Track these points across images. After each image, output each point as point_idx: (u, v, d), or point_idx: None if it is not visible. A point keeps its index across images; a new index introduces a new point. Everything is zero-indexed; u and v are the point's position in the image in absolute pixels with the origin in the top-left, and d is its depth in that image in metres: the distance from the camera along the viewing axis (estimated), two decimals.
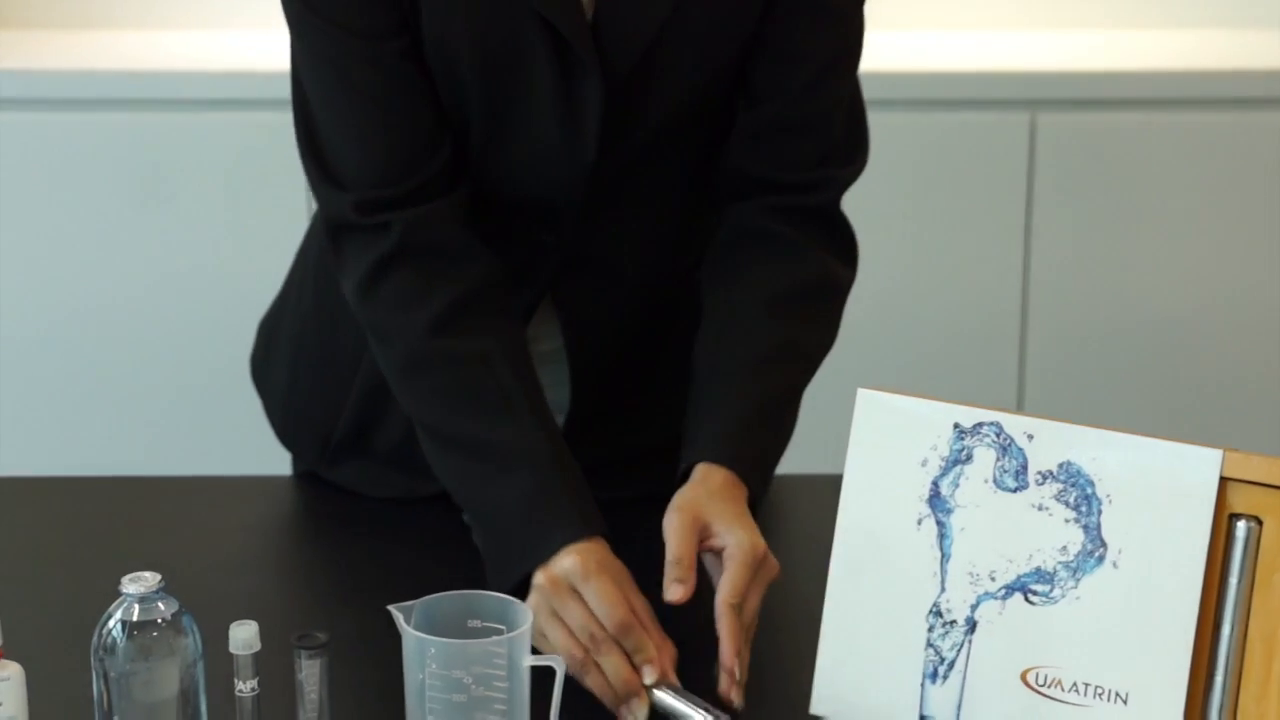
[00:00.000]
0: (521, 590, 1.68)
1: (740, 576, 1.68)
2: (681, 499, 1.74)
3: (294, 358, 2.10)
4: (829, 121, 1.91)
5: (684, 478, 1.79)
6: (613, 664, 1.62)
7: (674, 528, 1.71)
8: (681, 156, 1.92)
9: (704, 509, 1.73)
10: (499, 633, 1.54)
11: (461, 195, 1.85)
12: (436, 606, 1.55)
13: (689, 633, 1.75)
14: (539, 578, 1.67)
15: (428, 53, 1.80)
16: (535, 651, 1.55)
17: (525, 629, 1.52)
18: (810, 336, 1.92)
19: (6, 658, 1.53)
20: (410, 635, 1.51)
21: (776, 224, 1.91)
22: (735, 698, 1.63)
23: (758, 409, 1.84)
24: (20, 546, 1.96)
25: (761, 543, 1.72)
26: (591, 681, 1.62)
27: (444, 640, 1.52)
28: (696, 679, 1.65)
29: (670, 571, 1.68)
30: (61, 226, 3.40)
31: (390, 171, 1.81)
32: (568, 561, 1.66)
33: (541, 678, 1.53)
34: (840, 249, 1.95)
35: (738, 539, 1.71)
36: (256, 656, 1.53)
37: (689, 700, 1.59)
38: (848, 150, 1.94)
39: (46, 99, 3.38)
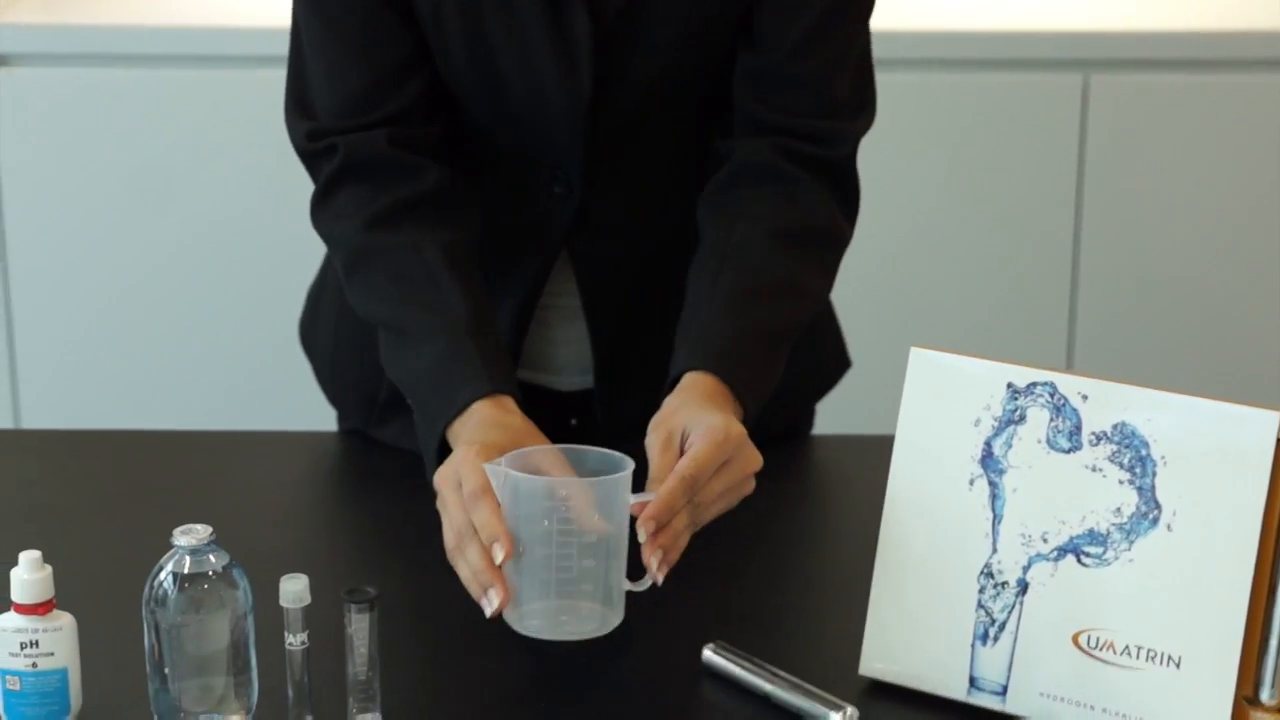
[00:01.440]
0: (445, 452, 1.70)
1: (703, 451, 1.62)
2: (661, 414, 1.70)
3: (337, 323, 2.11)
4: (834, 73, 1.90)
5: (673, 386, 1.76)
6: (471, 555, 1.58)
7: (654, 446, 1.66)
8: (686, 111, 1.92)
9: (684, 418, 1.68)
10: None
11: (414, 134, 1.88)
12: (523, 461, 1.57)
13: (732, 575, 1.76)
14: (438, 476, 1.65)
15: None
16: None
17: (629, 471, 1.55)
18: (813, 279, 1.90)
19: (59, 609, 1.54)
20: (536, 481, 1.53)
21: (789, 164, 1.89)
22: (655, 567, 1.58)
23: (757, 332, 1.81)
24: (74, 498, 1.97)
25: (737, 428, 1.66)
26: (459, 572, 1.61)
27: (587, 480, 1.55)
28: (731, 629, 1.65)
29: (649, 489, 1.63)
30: (121, 185, 3.41)
31: (351, 105, 1.87)
32: (459, 454, 1.63)
33: None
34: (846, 206, 1.94)
35: (706, 424, 1.65)
36: (306, 610, 1.54)
37: (809, 695, 1.57)
38: (855, 104, 1.93)
39: (107, 54, 3.39)
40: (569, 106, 1.84)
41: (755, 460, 1.68)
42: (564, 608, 1.54)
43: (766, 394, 1.81)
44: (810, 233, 1.89)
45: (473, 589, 1.58)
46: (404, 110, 1.86)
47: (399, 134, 1.86)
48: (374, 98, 1.86)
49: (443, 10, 1.82)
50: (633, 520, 1.55)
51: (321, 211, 1.89)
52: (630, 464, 1.54)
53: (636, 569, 1.55)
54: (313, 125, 1.88)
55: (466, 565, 1.59)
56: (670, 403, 1.72)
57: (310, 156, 1.89)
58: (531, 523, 1.51)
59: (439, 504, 1.64)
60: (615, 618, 1.55)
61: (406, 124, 1.87)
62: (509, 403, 1.72)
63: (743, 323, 1.81)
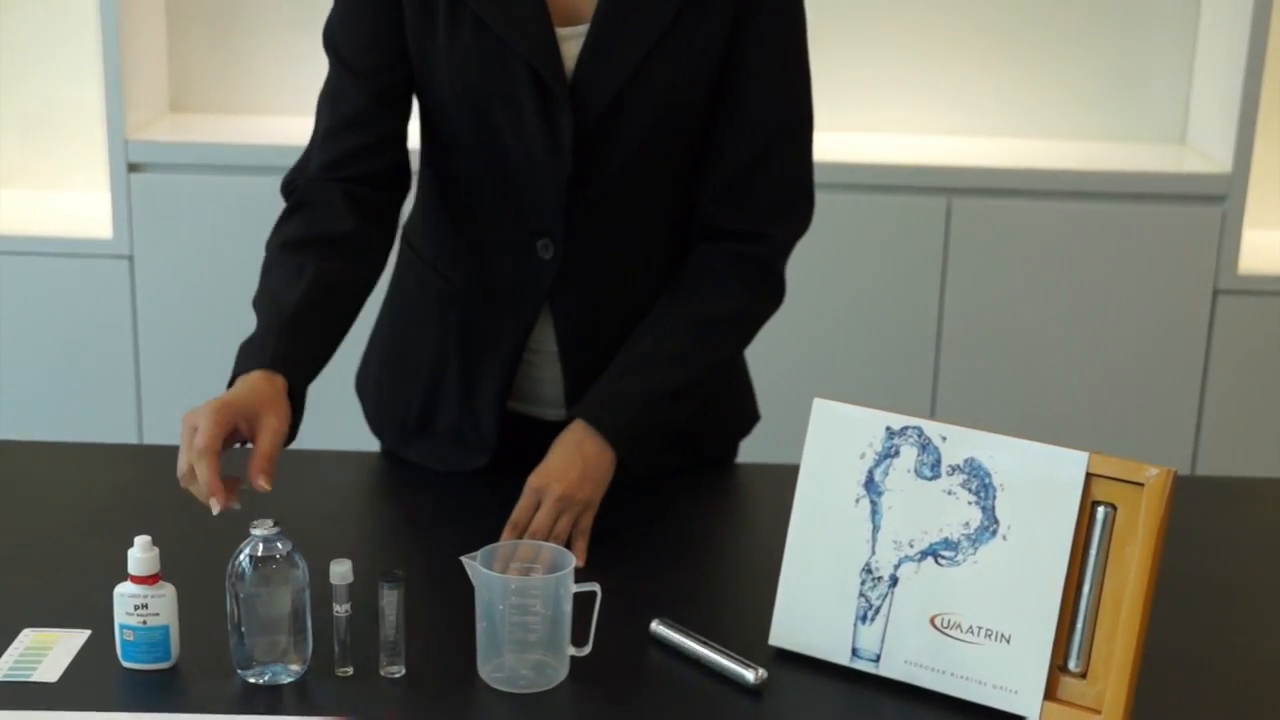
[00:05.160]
0: None
1: (522, 505, 1.77)
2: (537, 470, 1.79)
3: (379, 375, 2.09)
4: (774, 189, 1.89)
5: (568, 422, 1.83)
6: (200, 480, 1.57)
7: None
8: (655, 191, 1.89)
9: (539, 472, 1.78)
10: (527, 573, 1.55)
11: (369, 195, 1.86)
12: (492, 553, 1.54)
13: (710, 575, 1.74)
14: (189, 412, 1.62)
15: (442, 84, 1.82)
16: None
17: (570, 570, 1.52)
18: (711, 352, 1.89)
19: (164, 580, 1.53)
20: (493, 576, 1.51)
21: (722, 266, 1.89)
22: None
23: (642, 392, 1.83)
24: (179, 497, 1.95)
25: (538, 480, 1.76)
26: (193, 490, 1.59)
27: (523, 579, 1.52)
28: (722, 629, 1.64)
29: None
30: (226, 263, 3.41)
31: (332, 166, 1.85)
32: (204, 407, 1.61)
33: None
34: (768, 292, 1.93)
35: (529, 482, 1.77)
36: (350, 586, 1.52)
37: (731, 658, 1.56)
38: (789, 214, 1.92)
39: (218, 164, 3.40)
40: (553, 182, 1.83)
41: (555, 491, 1.75)
42: (521, 665, 1.52)
43: (643, 436, 1.83)
44: (719, 318, 1.88)
45: (203, 497, 1.57)
46: (368, 174, 1.86)
47: (352, 190, 1.85)
48: (350, 160, 1.86)
49: (463, 104, 1.82)
50: (577, 597, 1.54)
51: (271, 237, 1.86)
52: (573, 561, 1.53)
53: (578, 636, 1.55)
54: (295, 177, 1.88)
55: (198, 487, 1.57)
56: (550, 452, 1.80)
57: (285, 196, 1.89)
58: (494, 605, 1.50)
59: (185, 423, 1.61)
60: (562, 673, 1.53)
61: (367, 185, 1.86)
62: (277, 379, 1.68)
63: (631, 383, 1.83)
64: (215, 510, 1.54)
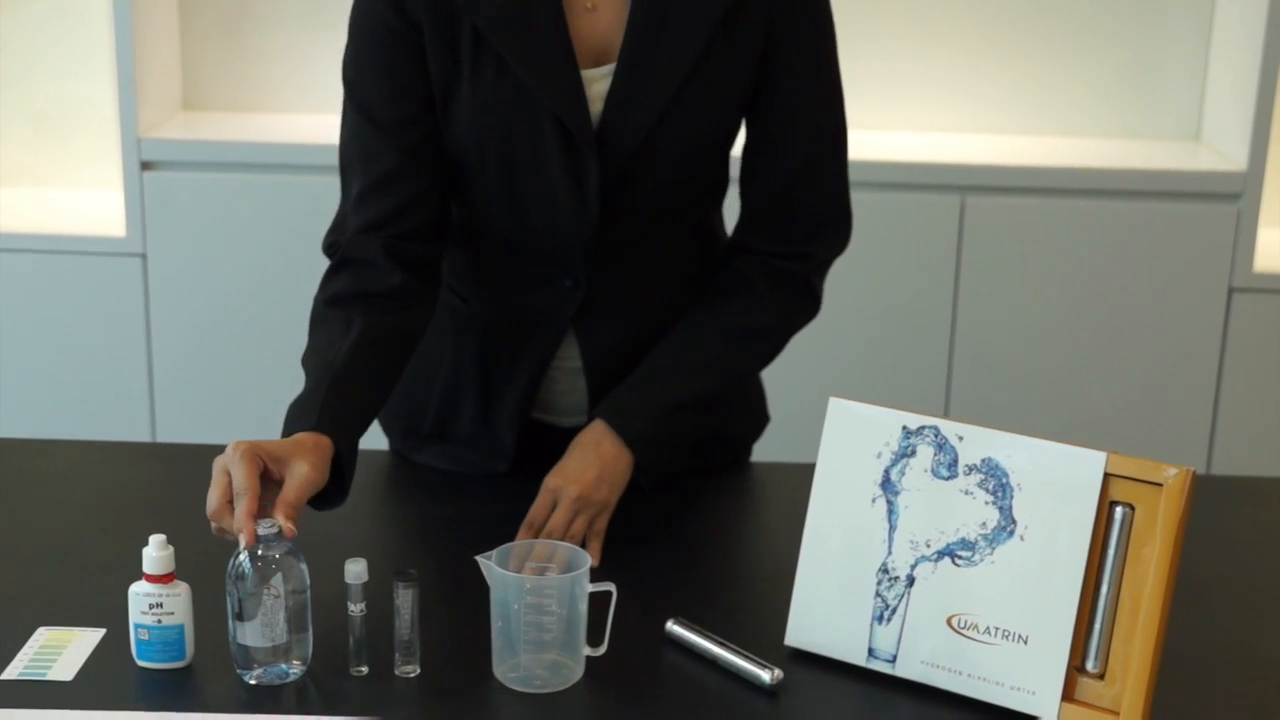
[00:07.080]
0: None
1: (538, 505, 1.76)
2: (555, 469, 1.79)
3: None
4: (813, 210, 1.87)
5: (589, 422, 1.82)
6: (238, 515, 1.49)
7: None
8: (680, 223, 1.88)
9: (556, 472, 1.78)
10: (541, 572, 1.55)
11: (411, 250, 1.81)
12: (508, 553, 1.54)
13: (710, 576, 1.74)
14: (227, 451, 1.56)
15: (462, 129, 1.78)
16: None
17: (586, 569, 1.52)
18: (741, 362, 1.89)
19: (179, 579, 1.53)
20: (509, 575, 1.50)
21: (758, 277, 1.88)
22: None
23: (663, 399, 1.82)
24: (192, 495, 1.94)
25: (555, 480, 1.76)
26: (224, 522, 1.52)
27: (539, 578, 1.52)
28: (734, 627, 1.63)
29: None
30: (240, 260, 3.40)
31: (370, 226, 1.80)
32: (239, 449, 1.54)
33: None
34: (804, 307, 1.91)
35: (546, 482, 1.76)
36: (365, 585, 1.52)
37: (747, 658, 1.56)
38: (829, 233, 1.90)
39: (230, 162, 3.40)
40: (578, 227, 1.80)
41: (572, 494, 1.75)
42: (536, 665, 1.51)
43: (662, 441, 1.82)
44: (753, 329, 1.87)
45: (235, 530, 1.50)
46: (408, 232, 1.80)
47: (394, 245, 1.79)
48: (388, 222, 1.80)
49: (486, 152, 1.78)
50: (592, 597, 1.54)
51: (318, 296, 1.80)
52: (588, 560, 1.53)
53: (594, 636, 1.54)
54: (334, 239, 1.84)
55: (227, 523, 1.51)
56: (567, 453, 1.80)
57: (329, 258, 1.84)
58: (509, 604, 1.50)
59: (216, 465, 1.55)
60: (578, 673, 1.53)
61: (408, 240, 1.81)
62: (323, 440, 1.63)
63: (654, 388, 1.82)
64: (243, 545, 1.49)
